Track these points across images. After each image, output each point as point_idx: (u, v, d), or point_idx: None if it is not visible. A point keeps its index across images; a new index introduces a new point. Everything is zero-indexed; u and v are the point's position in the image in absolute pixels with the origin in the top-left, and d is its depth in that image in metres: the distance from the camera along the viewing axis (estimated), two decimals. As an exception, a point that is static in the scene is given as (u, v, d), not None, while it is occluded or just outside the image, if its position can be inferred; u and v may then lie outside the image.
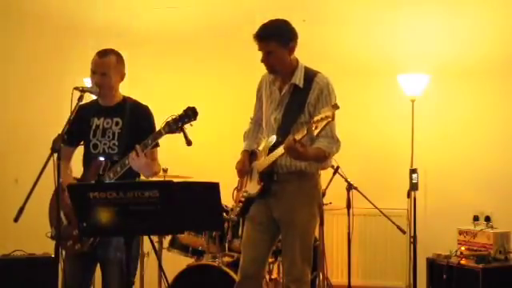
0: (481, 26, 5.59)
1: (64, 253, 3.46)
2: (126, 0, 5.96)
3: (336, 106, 3.09)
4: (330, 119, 3.01)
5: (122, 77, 3.55)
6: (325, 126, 3.05)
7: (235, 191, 3.79)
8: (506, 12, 5.54)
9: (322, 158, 3.44)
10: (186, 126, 3.39)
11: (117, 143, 3.48)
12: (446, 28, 5.68)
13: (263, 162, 3.51)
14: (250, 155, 3.70)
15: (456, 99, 5.72)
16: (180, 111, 3.37)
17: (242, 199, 3.65)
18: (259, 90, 3.72)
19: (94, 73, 3.48)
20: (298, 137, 3.18)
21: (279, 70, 3.52)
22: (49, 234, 3.48)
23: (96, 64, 3.48)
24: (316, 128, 3.06)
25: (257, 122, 3.79)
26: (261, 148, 3.65)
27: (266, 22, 3.51)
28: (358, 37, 5.84)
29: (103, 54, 3.50)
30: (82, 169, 3.58)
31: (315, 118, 3.09)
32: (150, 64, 5.95)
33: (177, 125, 3.34)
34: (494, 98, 5.64)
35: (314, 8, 5.77)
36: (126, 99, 3.58)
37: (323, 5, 5.84)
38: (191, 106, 3.38)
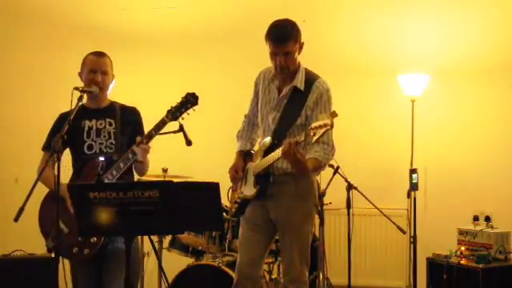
0: (481, 27, 5.59)
1: (70, 261, 3.47)
2: (126, 0, 5.96)
3: (335, 114, 3.05)
4: (328, 127, 2.99)
5: (112, 79, 3.59)
6: (323, 134, 3.03)
7: (229, 191, 3.78)
8: (506, 13, 5.55)
9: (319, 169, 3.45)
10: (189, 112, 3.42)
11: (114, 142, 3.48)
12: (445, 28, 5.68)
13: (259, 164, 3.49)
14: (245, 156, 3.68)
15: (456, 99, 5.72)
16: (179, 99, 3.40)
17: (238, 200, 3.64)
18: (256, 86, 3.68)
19: (93, 72, 3.47)
20: (297, 141, 3.17)
21: (290, 70, 3.46)
22: (48, 246, 3.41)
23: (96, 63, 3.49)
24: (314, 135, 3.04)
25: (250, 121, 3.75)
26: (256, 149, 3.62)
27: (275, 22, 3.44)
28: (358, 37, 5.83)
29: (100, 53, 3.54)
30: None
31: (313, 125, 3.06)
32: (150, 64, 5.94)
33: (180, 111, 3.40)
34: (493, 98, 5.64)
35: (313, 8, 5.76)
36: (113, 102, 3.60)
37: (323, 5, 5.84)
38: (190, 91, 3.41)
